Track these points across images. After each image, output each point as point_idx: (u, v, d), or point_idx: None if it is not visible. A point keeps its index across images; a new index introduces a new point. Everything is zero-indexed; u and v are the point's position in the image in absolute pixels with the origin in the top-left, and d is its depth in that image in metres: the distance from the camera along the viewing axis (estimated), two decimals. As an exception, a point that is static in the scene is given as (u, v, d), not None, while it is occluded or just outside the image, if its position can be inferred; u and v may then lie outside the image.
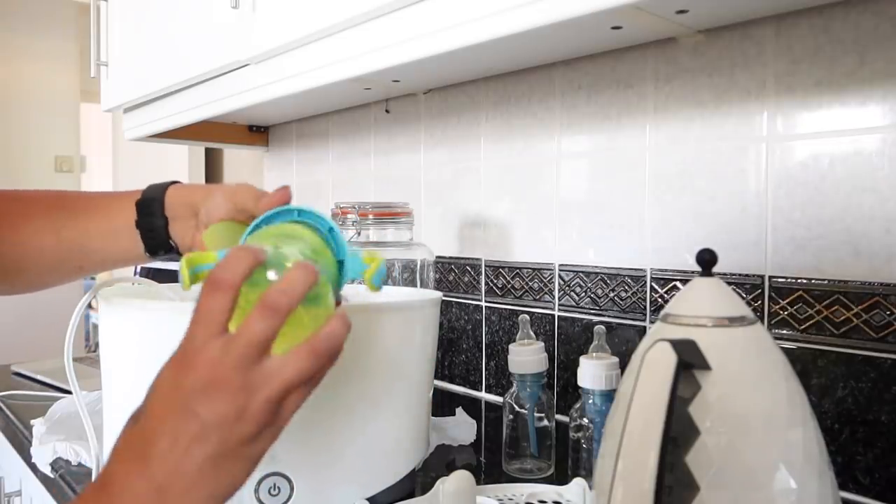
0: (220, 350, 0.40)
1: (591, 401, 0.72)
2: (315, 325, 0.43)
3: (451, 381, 1.19)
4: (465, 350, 1.17)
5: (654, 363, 0.44)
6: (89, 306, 0.77)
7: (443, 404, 1.05)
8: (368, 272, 0.50)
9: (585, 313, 0.97)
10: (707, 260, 0.49)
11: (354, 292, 0.87)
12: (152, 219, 0.65)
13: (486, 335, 1.13)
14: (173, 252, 0.67)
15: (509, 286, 1.09)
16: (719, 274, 0.49)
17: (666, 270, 0.88)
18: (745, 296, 0.79)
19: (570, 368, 0.98)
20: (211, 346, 0.40)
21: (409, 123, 1.26)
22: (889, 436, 0.68)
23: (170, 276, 1.39)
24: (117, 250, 0.67)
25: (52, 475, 0.83)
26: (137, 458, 0.40)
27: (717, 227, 0.82)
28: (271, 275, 0.43)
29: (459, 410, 0.97)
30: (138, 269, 1.53)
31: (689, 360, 0.43)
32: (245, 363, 0.40)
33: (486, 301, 1.13)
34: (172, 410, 0.40)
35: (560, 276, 1.01)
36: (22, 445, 0.96)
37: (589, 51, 0.93)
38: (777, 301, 0.77)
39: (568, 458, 0.75)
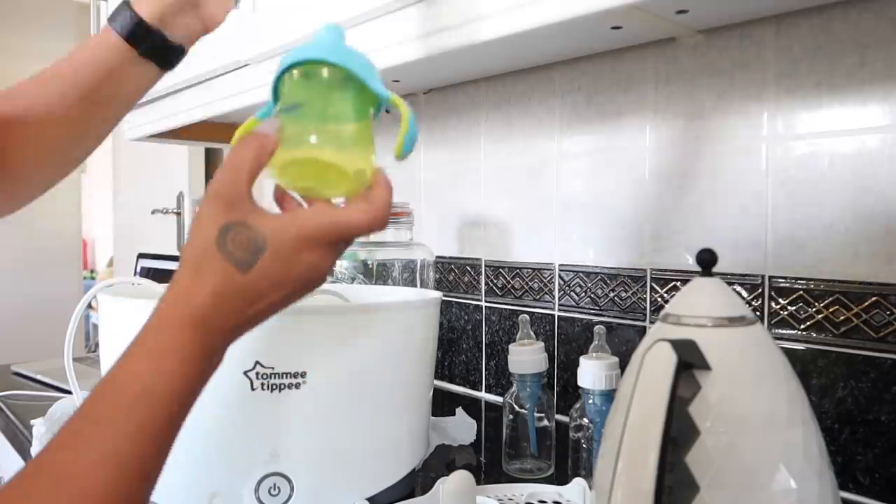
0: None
1: (591, 401, 0.72)
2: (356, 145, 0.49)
3: (451, 381, 1.19)
4: (465, 350, 1.17)
5: (654, 363, 0.44)
6: (89, 306, 0.77)
7: (443, 404, 1.05)
8: (401, 133, 0.50)
9: (585, 313, 0.97)
10: (707, 260, 0.49)
11: (355, 292, 0.87)
12: (149, 39, 0.65)
13: (486, 335, 1.13)
14: (178, 51, 0.68)
15: (509, 286, 1.09)
16: (719, 274, 0.49)
17: (666, 270, 0.88)
18: (745, 296, 0.79)
19: (570, 368, 0.98)
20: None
21: (409, 123, 1.26)
22: (889, 436, 0.68)
23: (170, 276, 1.39)
24: (136, 86, 0.67)
25: (52, 475, 0.83)
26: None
27: (717, 227, 0.82)
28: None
29: (459, 410, 0.97)
30: (138, 270, 1.53)
31: (689, 360, 0.43)
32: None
33: (486, 301, 1.13)
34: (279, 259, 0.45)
35: (560, 276, 1.01)
36: (22, 445, 0.96)
37: (589, 51, 0.93)
38: (777, 301, 0.77)
39: (568, 458, 0.75)
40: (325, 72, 0.50)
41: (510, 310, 1.09)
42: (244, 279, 0.43)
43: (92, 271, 5.62)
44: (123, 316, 0.70)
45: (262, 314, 0.46)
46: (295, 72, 0.50)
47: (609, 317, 0.94)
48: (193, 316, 0.43)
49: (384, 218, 0.47)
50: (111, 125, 0.71)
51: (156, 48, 0.66)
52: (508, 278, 1.09)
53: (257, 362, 0.63)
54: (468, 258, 1.16)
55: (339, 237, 0.46)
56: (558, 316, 1.01)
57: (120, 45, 0.65)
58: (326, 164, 0.47)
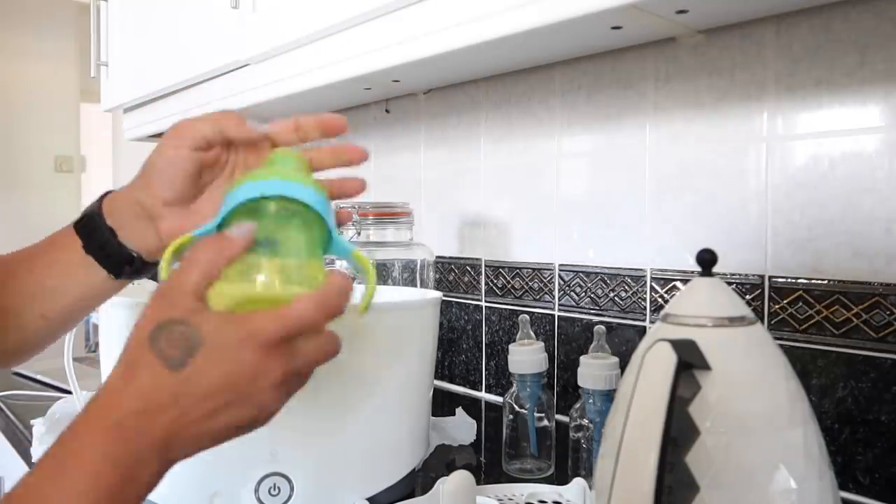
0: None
1: (591, 401, 0.72)
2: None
3: (451, 381, 1.19)
4: (465, 350, 1.17)
5: (654, 363, 0.44)
6: (89, 306, 0.77)
7: (443, 404, 1.05)
8: (367, 293, 0.47)
9: (585, 313, 0.97)
10: (707, 260, 0.49)
11: (355, 292, 0.87)
12: (97, 234, 0.55)
13: (486, 335, 1.13)
14: (145, 268, 0.57)
15: (509, 286, 1.09)
16: (719, 274, 0.49)
17: (666, 270, 0.88)
18: (745, 296, 0.79)
19: (570, 368, 0.98)
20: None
21: (409, 123, 1.26)
22: (889, 436, 0.68)
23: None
24: (77, 283, 0.57)
25: (52, 475, 0.83)
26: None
27: (717, 227, 0.82)
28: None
29: (459, 410, 0.97)
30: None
31: (689, 360, 0.43)
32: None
33: (486, 301, 1.13)
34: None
35: (560, 276, 1.01)
36: (22, 445, 0.96)
37: (589, 51, 0.93)
38: (777, 301, 0.77)
39: (568, 458, 0.75)
40: (286, 208, 0.46)
41: (510, 310, 1.09)
42: (174, 380, 0.39)
43: (92, 271, 5.60)
44: (123, 316, 0.70)
45: (205, 425, 0.41)
46: (251, 204, 0.46)
47: (609, 317, 0.94)
48: (117, 418, 0.39)
49: (336, 304, 0.43)
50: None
51: (103, 245, 0.55)
52: (508, 278, 1.09)
53: (257, 362, 0.63)
54: (468, 258, 1.16)
55: (288, 332, 0.41)
56: (558, 316, 1.01)
57: (103, 280, 0.57)
58: (274, 299, 0.43)
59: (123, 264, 0.56)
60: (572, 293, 0.99)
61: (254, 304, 0.42)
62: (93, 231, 0.56)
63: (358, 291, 0.46)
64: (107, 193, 0.58)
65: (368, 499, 0.68)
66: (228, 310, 0.42)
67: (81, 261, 0.56)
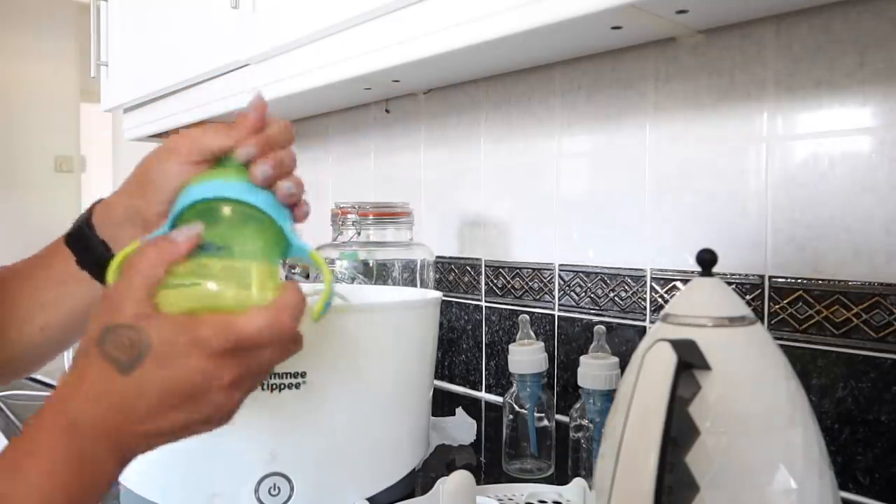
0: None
1: (591, 401, 0.72)
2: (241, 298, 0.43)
3: (451, 381, 1.19)
4: (465, 350, 1.17)
5: (654, 363, 0.44)
6: (89, 306, 0.77)
7: (443, 404, 1.05)
8: (322, 297, 0.45)
9: (585, 313, 0.97)
10: (707, 260, 0.49)
11: (355, 292, 0.87)
12: (91, 249, 0.55)
13: (486, 335, 1.13)
14: None
15: (509, 286, 1.09)
16: (719, 274, 0.49)
17: (666, 270, 0.88)
18: (745, 296, 0.79)
19: (570, 368, 0.98)
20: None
21: (409, 123, 1.26)
22: (889, 436, 0.68)
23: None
24: (74, 296, 0.57)
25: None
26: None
27: (717, 227, 0.82)
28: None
29: (459, 410, 0.97)
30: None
31: (689, 360, 0.43)
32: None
33: (486, 301, 1.13)
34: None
35: (560, 276, 1.01)
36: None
37: (589, 51, 0.93)
38: (777, 301, 0.77)
39: (568, 458, 0.75)
40: (238, 210, 0.44)
41: (510, 310, 1.09)
42: (124, 382, 0.39)
43: (92, 271, 5.61)
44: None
45: (158, 424, 0.41)
46: (202, 206, 0.45)
47: (609, 317, 0.94)
48: (68, 419, 0.39)
49: (288, 324, 0.42)
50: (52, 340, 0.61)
51: (97, 260, 0.55)
52: (508, 278, 1.09)
53: (257, 362, 0.63)
54: (468, 258, 1.16)
55: (236, 345, 0.41)
56: (558, 316, 1.01)
57: (62, 250, 0.57)
58: (224, 307, 0.42)
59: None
60: (572, 293, 0.99)
61: (205, 309, 0.42)
62: (86, 246, 0.55)
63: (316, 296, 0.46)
64: (97, 203, 0.57)
65: (368, 499, 0.68)
66: (180, 312, 0.41)
67: (77, 274, 0.56)
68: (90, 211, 0.56)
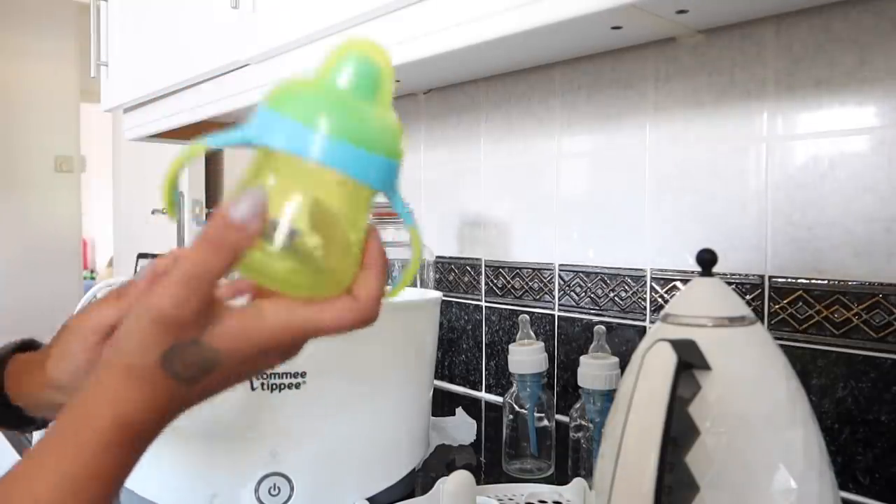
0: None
1: (591, 401, 0.72)
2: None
3: (451, 381, 1.19)
4: (465, 350, 1.17)
5: (654, 363, 0.44)
6: (89, 306, 0.77)
7: (443, 404, 1.05)
8: (409, 271, 0.40)
9: (585, 313, 0.97)
10: (707, 260, 0.49)
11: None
12: None
13: (486, 335, 1.13)
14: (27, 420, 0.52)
15: (509, 286, 1.09)
16: (719, 274, 0.49)
17: (666, 270, 0.88)
18: (745, 296, 0.79)
19: (570, 368, 0.98)
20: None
21: (409, 123, 1.26)
22: (889, 436, 0.68)
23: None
24: None
25: (52, 475, 0.83)
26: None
27: (717, 228, 0.82)
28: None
29: (459, 410, 0.97)
30: (138, 270, 1.52)
31: (689, 360, 0.43)
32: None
33: (486, 301, 1.13)
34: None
35: (560, 276, 1.01)
36: (22, 445, 0.96)
37: (589, 51, 0.93)
38: (777, 301, 0.77)
39: (568, 458, 0.75)
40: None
41: (510, 310, 1.09)
42: (188, 391, 0.37)
43: (92, 271, 5.62)
44: (123, 316, 0.70)
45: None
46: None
47: (609, 317, 0.94)
48: (122, 422, 0.36)
49: (372, 315, 0.38)
50: None
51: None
52: (508, 278, 1.09)
53: (257, 362, 0.63)
54: (468, 258, 1.16)
55: (309, 338, 0.38)
56: (558, 316, 1.01)
57: None
58: (311, 278, 0.36)
59: (25, 425, 0.52)
60: (572, 293, 0.99)
61: (287, 287, 0.37)
62: None
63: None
64: (18, 349, 0.54)
65: (368, 499, 0.68)
66: (256, 275, 0.37)
67: None
68: (5, 361, 0.53)
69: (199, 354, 0.36)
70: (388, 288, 0.40)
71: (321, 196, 0.36)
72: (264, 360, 0.40)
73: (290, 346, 0.40)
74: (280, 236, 0.35)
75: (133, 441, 0.37)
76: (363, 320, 0.38)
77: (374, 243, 0.39)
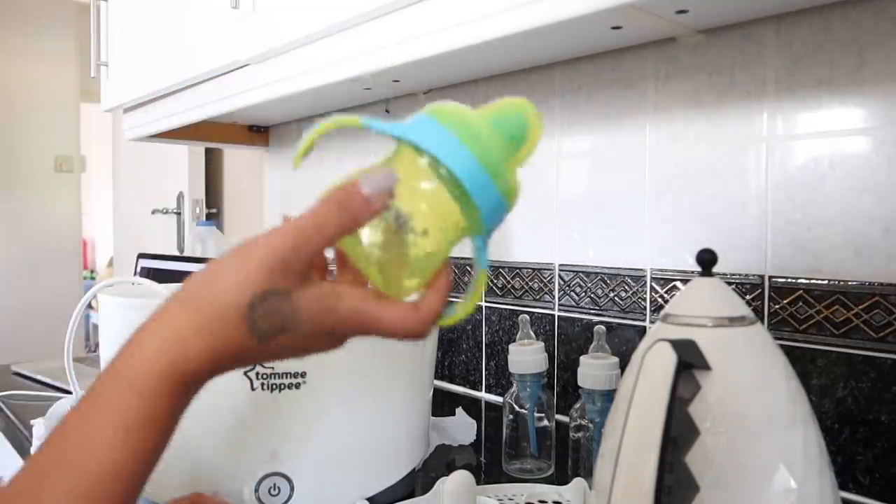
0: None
1: (591, 401, 0.72)
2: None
3: (451, 381, 1.19)
4: (465, 350, 1.17)
5: (654, 363, 0.44)
6: (89, 306, 0.77)
7: (443, 404, 1.05)
8: (466, 309, 0.43)
9: (585, 313, 0.97)
10: (707, 260, 0.49)
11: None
12: None
13: (486, 335, 1.13)
14: None
15: (509, 286, 1.09)
16: (719, 274, 0.49)
17: (666, 270, 0.88)
18: (745, 296, 0.79)
19: (570, 368, 0.98)
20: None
21: (409, 123, 1.26)
22: (889, 436, 0.68)
23: (170, 277, 1.39)
24: None
25: (52, 475, 0.83)
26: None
27: (717, 228, 0.82)
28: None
29: (459, 410, 0.97)
30: (138, 270, 1.53)
31: (689, 360, 0.43)
32: None
33: (485, 301, 1.13)
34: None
35: (560, 276, 1.01)
36: (22, 445, 0.96)
37: (589, 51, 0.93)
38: (777, 301, 0.77)
39: (568, 458, 0.75)
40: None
41: (510, 310, 1.08)
42: (258, 348, 0.38)
43: (92, 271, 5.62)
44: (123, 316, 0.70)
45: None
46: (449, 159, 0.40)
47: (609, 317, 0.94)
48: (183, 370, 0.37)
49: (426, 330, 0.41)
50: None
51: None
52: (508, 278, 1.09)
53: (257, 362, 0.63)
54: (468, 258, 1.16)
55: (362, 332, 0.41)
56: (558, 316, 1.01)
57: None
58: (392, 272, 0.40)
59: None
60: (572, 293, 0.99)
61: (392, 261, 0.40)
62: None
63: None
64: None
65: (368, 499, 0.68)
66: (360, 257, 0.40)
67: None
68: None
69: (285, 308, 0.38)
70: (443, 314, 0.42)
71: (435, 209, 0.40)
72: (316, 342, 0.41)
73: (345, 333, 0.41)
74: (394, 221, 0.39)
75: (190, 386, 0.38)
76: (416, 332, 0.40)
77: (447, 271, 0.43)
